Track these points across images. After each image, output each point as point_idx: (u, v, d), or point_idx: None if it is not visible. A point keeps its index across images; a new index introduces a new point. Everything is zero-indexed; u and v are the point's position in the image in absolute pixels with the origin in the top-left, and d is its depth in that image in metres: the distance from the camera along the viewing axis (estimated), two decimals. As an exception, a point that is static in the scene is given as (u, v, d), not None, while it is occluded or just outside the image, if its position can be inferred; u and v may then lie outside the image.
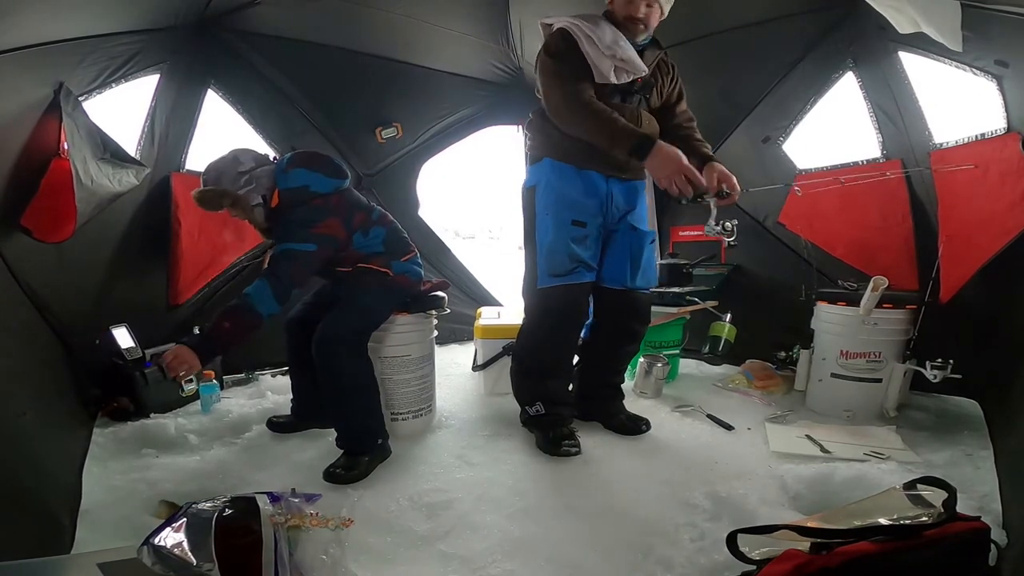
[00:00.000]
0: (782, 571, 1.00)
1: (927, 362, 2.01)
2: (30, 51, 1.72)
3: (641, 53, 1.81)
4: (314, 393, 2.00)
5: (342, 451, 1.77)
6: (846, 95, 2.48)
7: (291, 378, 2.11)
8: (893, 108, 2.32)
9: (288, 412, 2.11)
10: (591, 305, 2.06)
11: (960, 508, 1.12)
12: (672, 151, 1.65)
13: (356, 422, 1.78)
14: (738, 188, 1.81)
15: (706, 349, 2.71)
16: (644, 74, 1.78)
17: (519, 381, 1.99)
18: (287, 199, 1.81)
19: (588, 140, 1.75)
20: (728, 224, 1.93)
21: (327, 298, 1.98)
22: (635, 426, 2.04)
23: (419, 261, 2.06)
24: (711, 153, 1.92)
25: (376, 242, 1.94)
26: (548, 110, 1.81)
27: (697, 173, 1.68)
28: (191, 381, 2.33)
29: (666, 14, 1.82)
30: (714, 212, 1.88)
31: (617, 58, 1.74)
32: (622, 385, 2.18)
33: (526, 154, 2.03)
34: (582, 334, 2.11)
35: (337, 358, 1.73)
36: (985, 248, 1.92)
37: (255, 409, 2.24)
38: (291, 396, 2.11)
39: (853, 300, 2.10)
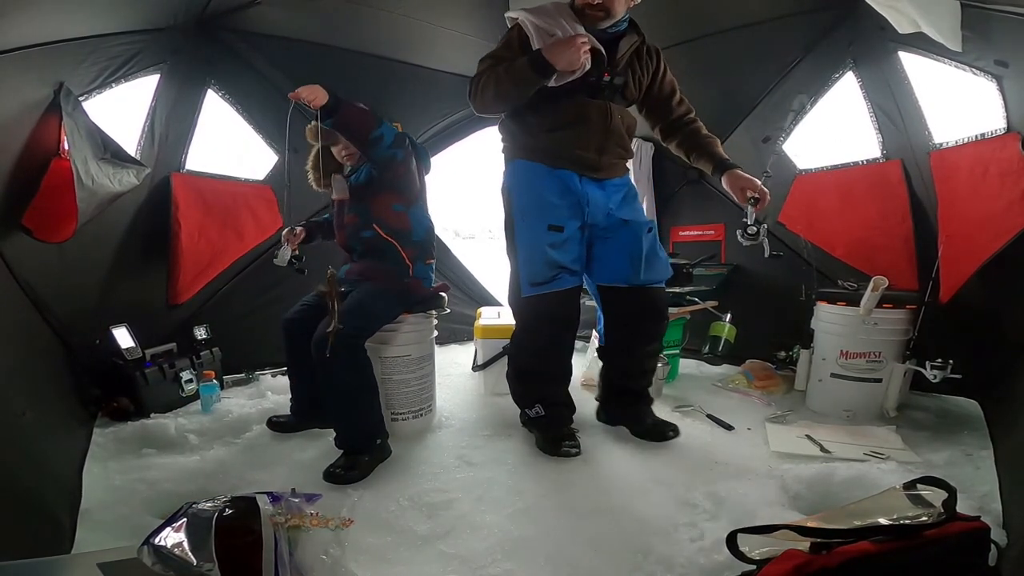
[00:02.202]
0: (782, 571, 1.00)
1: (927, 362, 2.01)
2: (30, 51, 1.72)
3: (614, 41, 1.74)
4: (313, 393, 2.00)
5: (341, 451, 1.77)
6: (846, 95, 2.48)
7: (290, 379, 2.10)
8: (893, 108, 2.32)
9: (288, 412, 2.11)
10: (599, 308, 2.02)
11: (960, 508, 1.12)
12: (553, 42, 1.64)
13: (355, 422, 1.78)
14: (766, 190, 1.78)
15: (706, 349, 2.71)
16: (585, 70, 1.67)
17: (516, 385, 1.98)
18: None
19: (503, 101, 1.75)
20: (752, 229, 1.88)
21: (326, 299, 1.98)
22: (661, 432, 1.94)
23: (434, 268, 2.11)
24: (725, 155, 1.87)
25: (422, 226, 2.01)
26: (470, 102, 1.78)
27: (592, 39, 1.66)
28: (191, 381, 2.34)
29: None
30: (750, 219, 1.86)
31: None
32: (649, 388, 2.06)
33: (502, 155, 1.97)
34: (599, 339, 2.07)
35: (335, 359, 1.72)
36: (985, 248, 1.92)
37: (255, 409, 2.24)
38: (291, 396, 2.11)
39: (853, 300, 2.10)
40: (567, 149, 1.77)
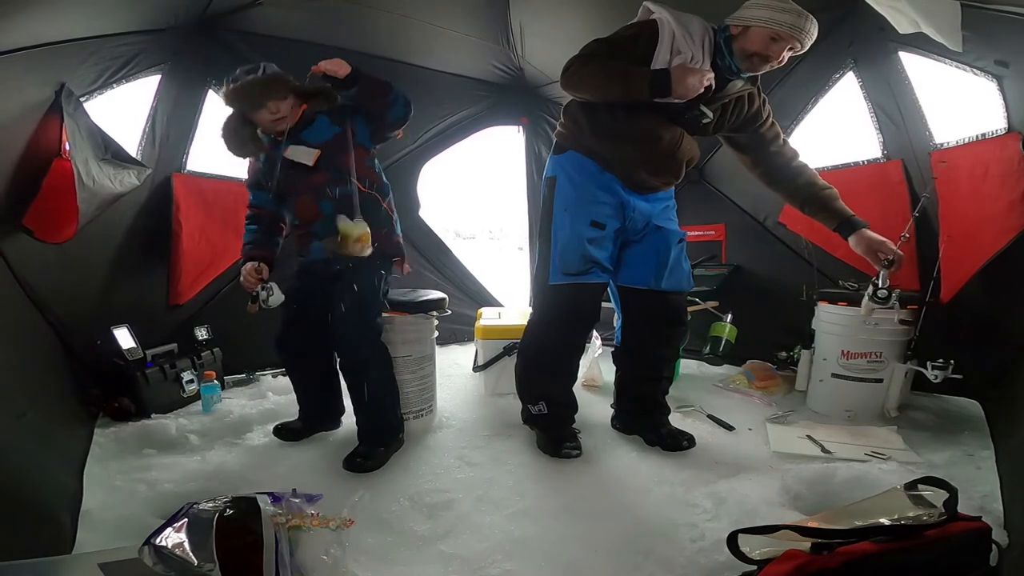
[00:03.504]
0: (783, 571, 1.00)
1: (928, 362, 2.00)
2: (32, 52, 1.72)
3: (729, 80, 1.69)
4: (321, 399, 1.98)
5: (360, 440, 1.81)
6: (846, 95, 2.48)
7: (296, 391, 2.02)
8: (893, 108, 2.32)
9: (287, 416, 2.08)
10: (619, 308, 2.01)
11: (961, 508, 1.12)
12: (683, 68, 1.56)
13: (383, 420, 1.85)
14: (901, 253, 1.76)
15: (707, 350, 2.71)
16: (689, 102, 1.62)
17: (523, 378, 1.97)
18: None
19: (599, 96, 1.69)
20: (883, 292, 1.84)
21: (314, 314, 1.86)
22: (676, 442, 1.88)
23: None
24: (849, 211, 1.82)
25: (385, 179, 1.94)
26: (562, 75, 1.69)
27: (712, 77, 1.58)
28: (192, 382, 2.34)
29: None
30: (882, 283, 1.84)
31: None
32: (666, 396, 2.02)
33: (553, 141, 1.93)
34: (615, 339, 2.06)
35: (366, 358, 1.79)
36: (985, 248, 1.92)
37: (256, 409, 2.24)
38: (294, 399, 2.05)
39: (854, 300, 2.10)
40: (622, 163, 1.75)
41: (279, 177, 1.79)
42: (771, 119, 1.86)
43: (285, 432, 1.98)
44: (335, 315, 1.78)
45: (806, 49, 1.63)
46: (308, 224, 1.83)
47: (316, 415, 2.02)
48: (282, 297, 1.84)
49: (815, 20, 1.58)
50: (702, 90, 1.59)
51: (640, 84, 1.59)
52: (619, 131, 1.73)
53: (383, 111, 1.80)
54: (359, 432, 1.84)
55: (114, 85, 2.13)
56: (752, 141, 1.88)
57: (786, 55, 1.63)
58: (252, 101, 1.72)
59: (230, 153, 1.83)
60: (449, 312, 2.21)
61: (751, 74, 1.70)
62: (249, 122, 1.77)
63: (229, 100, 1.75)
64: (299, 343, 1.90)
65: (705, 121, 1.71)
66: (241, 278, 1.85)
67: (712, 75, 1.60)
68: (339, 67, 1.69)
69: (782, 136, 1.90)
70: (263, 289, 1.82)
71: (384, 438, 1.84)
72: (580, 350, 1.97)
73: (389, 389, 1.87)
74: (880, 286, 1.85)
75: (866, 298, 1.90)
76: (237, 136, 1.79)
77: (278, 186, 1.81)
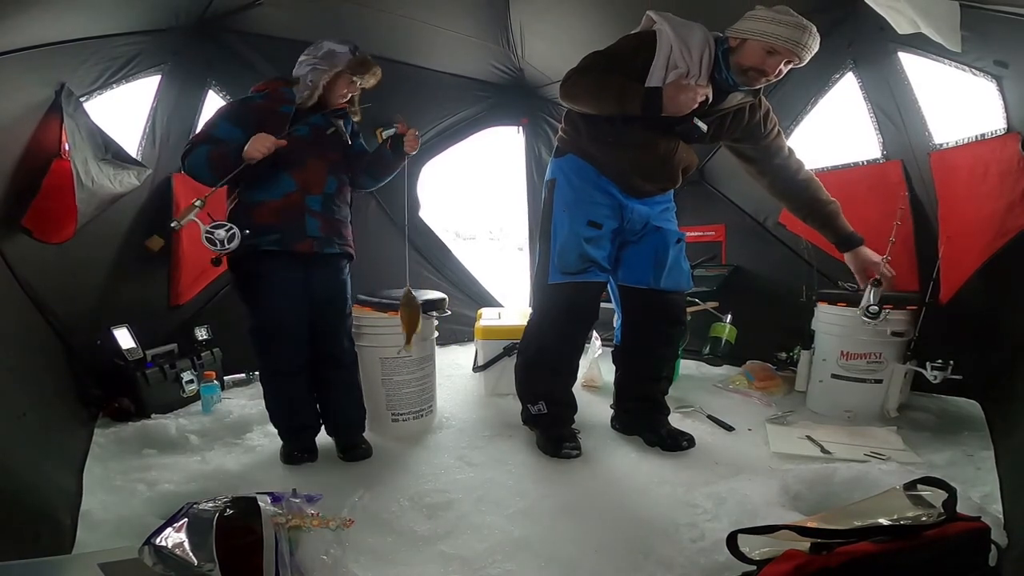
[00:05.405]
0: (782, 571, 1.00)
1: (927, 363, 2.01)
2: (32, 52, 1.73)
3: (725, 92, 1.71)
4: (312, 399, 1.91)
5: (352, 431, 1.89)
6: (846, 95, 2.48)
7: (294, 404, 1.85)
8: (893, 108, 2.32)
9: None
10: (619, 308, 2.02)
11: (960, 508, 1.12)
12: (676, 86, 1.58)
13: (363, 408, 1.93)
14: (890, 273, 1.87)
15: (706, 350, 2.71)
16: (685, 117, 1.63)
17: (523, 377, 1.98)
18: None
19: (595, 108, 1.72)
20: (873, 308, 1.95)
21: (299, 314, 1.78)
22: (676, 442, 1.88)
23: None
24: (849, 228, 1.91)
25: None
26: (560, 87, 1.73)
27: (710, 91, 1.62)
28: (192, 382, 2.34)
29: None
30: (873, 300, 1.93)
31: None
32: (666, 396, 2.04)
33: (554, 145, 1.97)
34: (615, 339, 2.07)
35: (353, 363, 1.92)
36: (985, 248, 1.92)
37: (256, 410, 2.23)
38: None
39: (853, 301, 2.10)
40: (618, 169, 1.78)
41: (303, 133, 1.78)
42: (776, 130, 1.87)
43: (300, 457, 1.81)
44: (331, 312, 1.81)
45: (805, 63, 1.62)
46: (304, 192, 1.74)
47: (316, 421, 1.89)
48: (237, 241, 1.58)
49: (816, 33, 1.57)
50: (695, 106, 1.59)
51: (633, 101, 1.61)
52: (616, 139, 1.76)
53: (368, 177, 1.96)
54: (350, 424, 1.89)
55: (114, 85, 2.14)
56: (756, 152, 1.89)
57: (784, 69, 1.62)
58: (361, 72, 1.86)
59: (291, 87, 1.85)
60: (449, 312, 2.21)
61: (749, 88, 1.70)
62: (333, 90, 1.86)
63: (353, 62, 1.83)
64: (300, 354, 1.78)
65: (697, 130, 1.72)
66: (259, 147, 1.59)
67: (708, 90, 1.61)
68: (415, 147, 1.87)
69: (787, 147, 1.91)
70: (219, 226, 1.57)
71: (363, 426, 1.93)
72: (579, 349, 1.98)
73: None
74: (871, 302, 1.94)
75: (858, 312, 1.98)
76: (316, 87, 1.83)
77: (295, 141, 1.73)
